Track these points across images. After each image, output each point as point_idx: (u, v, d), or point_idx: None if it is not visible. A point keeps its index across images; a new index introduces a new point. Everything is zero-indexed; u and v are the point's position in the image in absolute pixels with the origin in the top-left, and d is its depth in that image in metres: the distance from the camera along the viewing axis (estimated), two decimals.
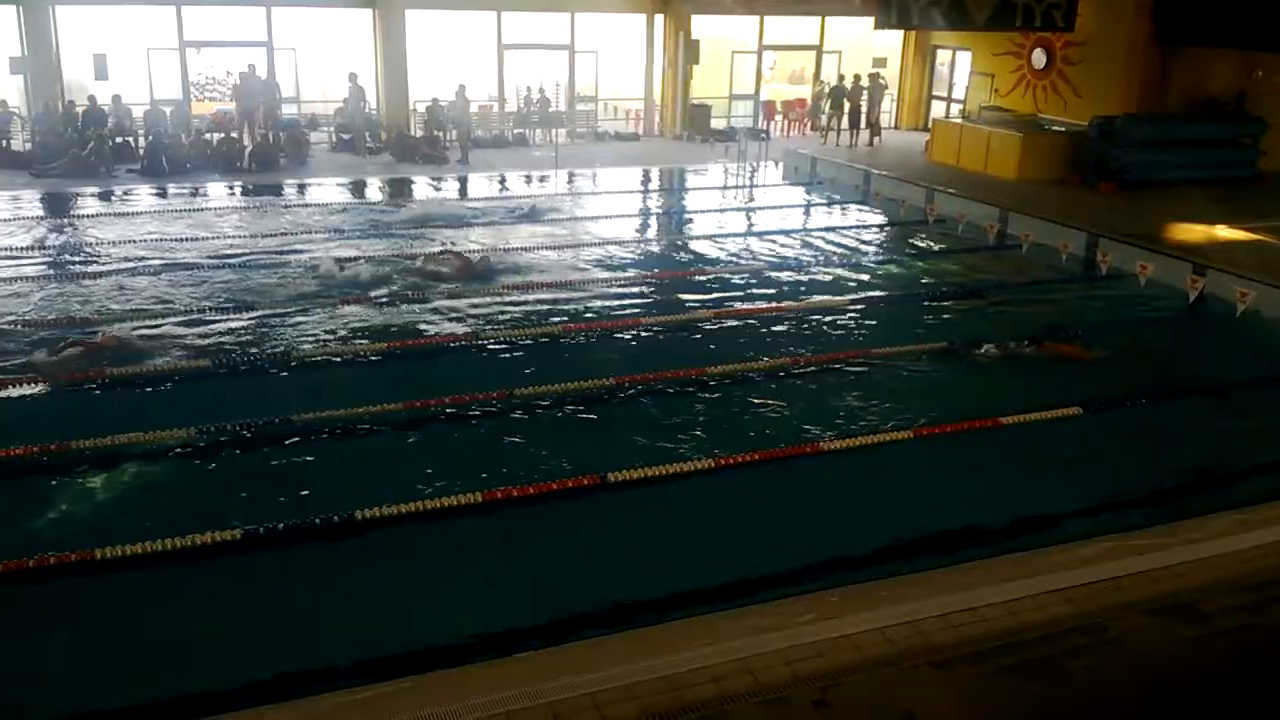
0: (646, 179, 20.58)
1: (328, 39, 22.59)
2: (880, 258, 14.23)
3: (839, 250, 14.38)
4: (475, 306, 10.98)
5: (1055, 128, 19.44)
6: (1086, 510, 6.76)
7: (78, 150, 18.12)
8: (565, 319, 10.64)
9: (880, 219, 16.86)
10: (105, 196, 16.69)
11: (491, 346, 9.77)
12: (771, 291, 12.02)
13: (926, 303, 11.92)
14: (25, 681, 4.86)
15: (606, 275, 12.57)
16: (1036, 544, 6.02)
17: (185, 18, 21.01)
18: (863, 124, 23.06)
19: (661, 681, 4.52)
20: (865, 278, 12.95)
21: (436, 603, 5.60)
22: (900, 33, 25.10)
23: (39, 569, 5.65)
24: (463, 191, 18.50)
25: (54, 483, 6.79)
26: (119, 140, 19.29)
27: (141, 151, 19.06)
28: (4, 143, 19.41)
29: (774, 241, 14.82)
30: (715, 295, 11.72)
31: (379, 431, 7.71)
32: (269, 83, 21.14)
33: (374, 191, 18.26)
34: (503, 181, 19.25)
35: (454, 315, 10.71)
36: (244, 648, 5.14)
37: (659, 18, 24.79)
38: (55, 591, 5.64)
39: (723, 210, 17.51)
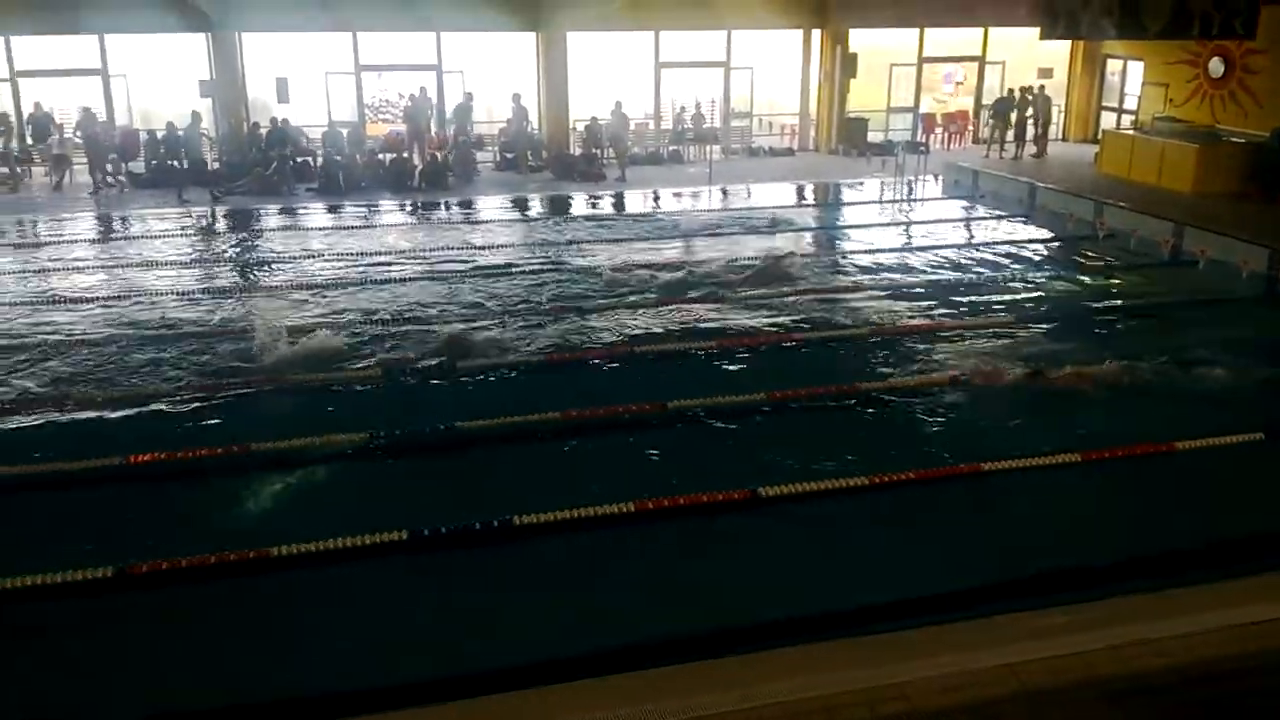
0: (801, 193, 20.46)
1: (493, 62, 23.32)
2: (1046, 274, 13.78)
3: (1001, 266, 14.00)
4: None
5: (1234, 138, 18.48)
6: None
7: (261, 169, 19.22)
8: (717, 334, 10.69)
9: (1046, 234, 16.33)
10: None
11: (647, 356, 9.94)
12: (930, 306, 11.80)
13: (1095, 320, 11.50)
14: (203, 668, 5.18)
15: (761, 290, 12.54)
16: (1219, 576, 5.73)
17: (361, 43, 22.07)
18: (1028, 136, 22.42)
19: (815, 700, 4.49)
20: (1030, 294, 12.57)
21: (580, 609, 5.69)
22: (1067, 42, 24.28)
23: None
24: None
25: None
26: (298, 160, 20.36)
27: (319, 171, 20.05)
28: (195, 162, 20.73)
29: (932, 256, 14.54)
30: (870, 311, 11.58)
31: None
32: (465, 105, 22.07)
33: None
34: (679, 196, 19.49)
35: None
36: (413, 646, 5.34)
37: (816, 32, 24.66)
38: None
39: (878, 225, 17.26)
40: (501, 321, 10.99)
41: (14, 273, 13.38)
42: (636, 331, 10.74)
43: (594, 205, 18.97)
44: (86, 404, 8.57)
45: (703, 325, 11.01)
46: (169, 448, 7.60)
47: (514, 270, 13.49)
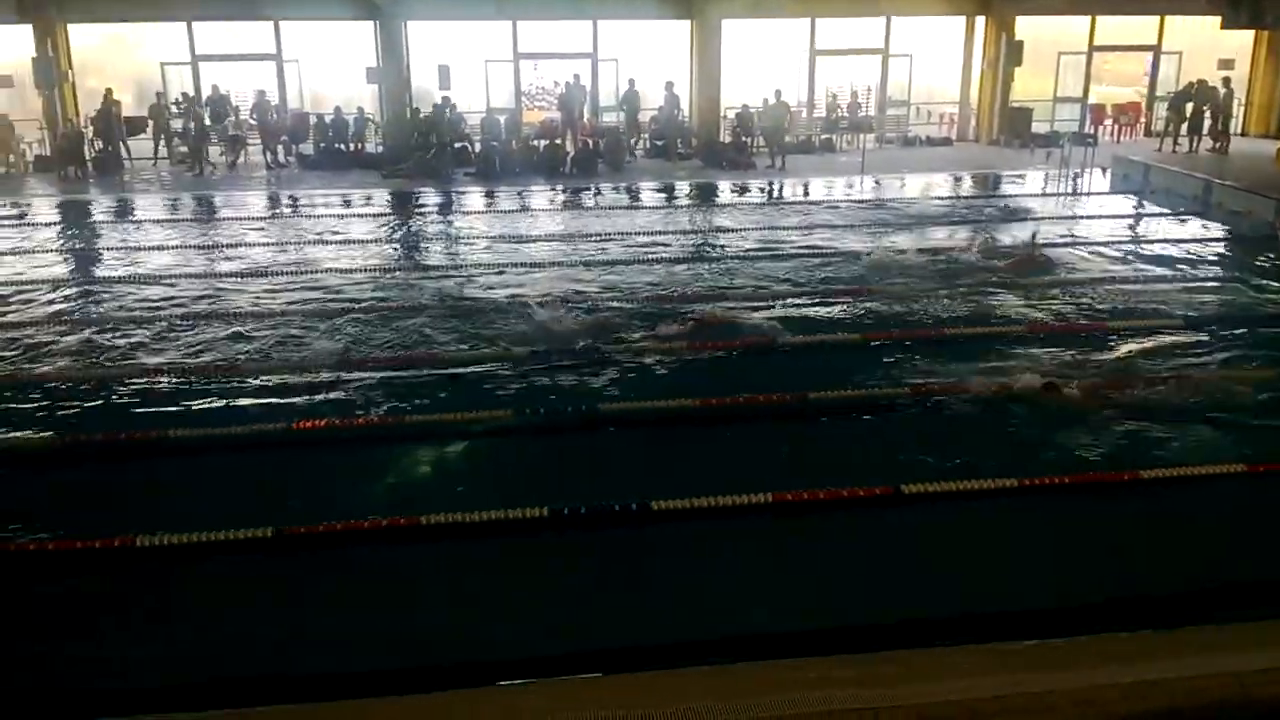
0: (958, 184, 19.91)
1: (647, 50, 23.45)
2: (1219, 275, 13.04)
3: (1171, 266, 13.31)
4: None
5: None
6: None
7: (422, 154, 19.83)
8: (865, 326, 10.50)
9: (1221, 233, 15.46)
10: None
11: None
12: (1093, 307, 11.31)
13: (1272, 327, 10.81)
14: (341, 633, 5.37)
15: (912, 284, 12.25)
16: None
17: (520, 31, 22.52)
18: (1205, 130, 21.26)
19: (949, 706, 4.35)
20: (1200, 297, 11.91)
21: (708, 598, 5.67)
22: (1250, 32, 22.91)
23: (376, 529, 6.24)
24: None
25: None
26: (457, 145, 20.92)
27: (476, 156, 20.56)
28: (360, 146, 21.58)
29: (1097, 254, 13.93)
30: (1028, 309, 11.17)
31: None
32: (633, 92, 22.36)
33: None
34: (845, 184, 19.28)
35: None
36: (542, 618, 5.43)
37: (980, 19, 23.93)
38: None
39: (1041, 219, 16.65)
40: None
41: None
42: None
43: (771, 191, 18.97)
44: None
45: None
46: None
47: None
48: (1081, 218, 16.80)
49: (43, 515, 6.46)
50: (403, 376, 8.85)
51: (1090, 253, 14.01)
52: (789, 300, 11.24)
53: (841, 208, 17.26)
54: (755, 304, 11.01)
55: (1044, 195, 18.50)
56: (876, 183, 19.51)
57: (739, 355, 9.47)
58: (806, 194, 18.79)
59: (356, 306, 11.01)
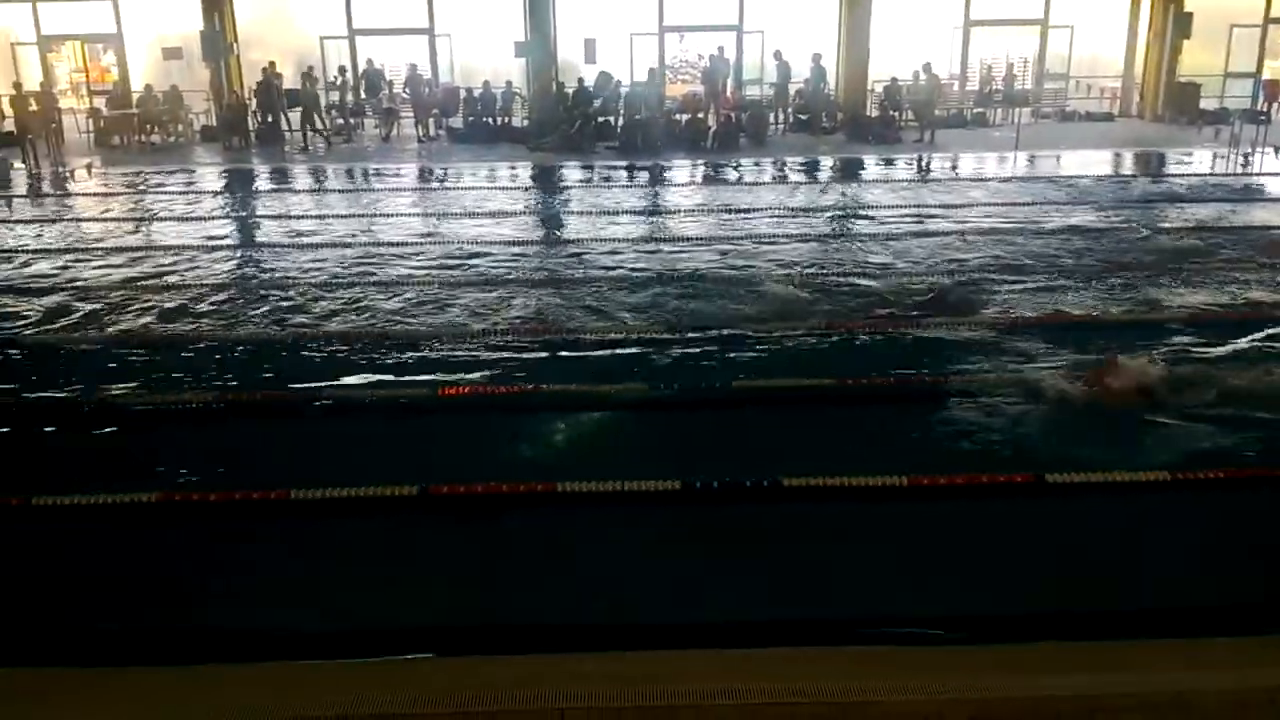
0: (1119, 163, 19.03)
1: (793, 22, 23.14)
2: None
3: None
4: None
5: None
6: None
7: (566, 127, 20.05)
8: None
9: None
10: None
11: None
12: (1258, 297, 10.68)
13: None
14: (486, 588, 5.51)
15: (1071, 264, 11.79)
16: None
17: (666, 3, 22.48)
18: None
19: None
20: None
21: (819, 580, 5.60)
22: None
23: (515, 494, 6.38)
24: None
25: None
26: (600, 119, 21.07)
27: (619, 130, 20.66)
28: (507, 119, 21.95)
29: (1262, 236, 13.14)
30: (1188, 298, 10.62)
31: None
32: (785, 65, 22.07)
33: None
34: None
35: None
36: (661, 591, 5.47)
37: None
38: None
39: (1207, 201, 15.78)
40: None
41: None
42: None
43: (955, 166, 18.56)
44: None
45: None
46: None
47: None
48: (1250, 200, 15.88)
49: (204, 468, 6.85)
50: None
51: (1245, 235, 13.23)
52: (1013, 279, 10.79)
53: (1027, 184, 16.60)
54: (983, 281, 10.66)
55: (1210, 176, 17.52)
56: (1030, 160, 18.81)
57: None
58: (979, 170, 18.20)
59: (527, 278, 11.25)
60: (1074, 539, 5.91)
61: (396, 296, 10.56)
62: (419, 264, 11.99)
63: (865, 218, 14.17)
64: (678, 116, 21.28)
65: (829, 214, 14.59)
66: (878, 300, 10.01)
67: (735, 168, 18.54)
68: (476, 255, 12.32)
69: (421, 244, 12.89)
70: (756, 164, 18.82)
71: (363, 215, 14.90)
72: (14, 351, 9.38)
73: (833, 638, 4.85)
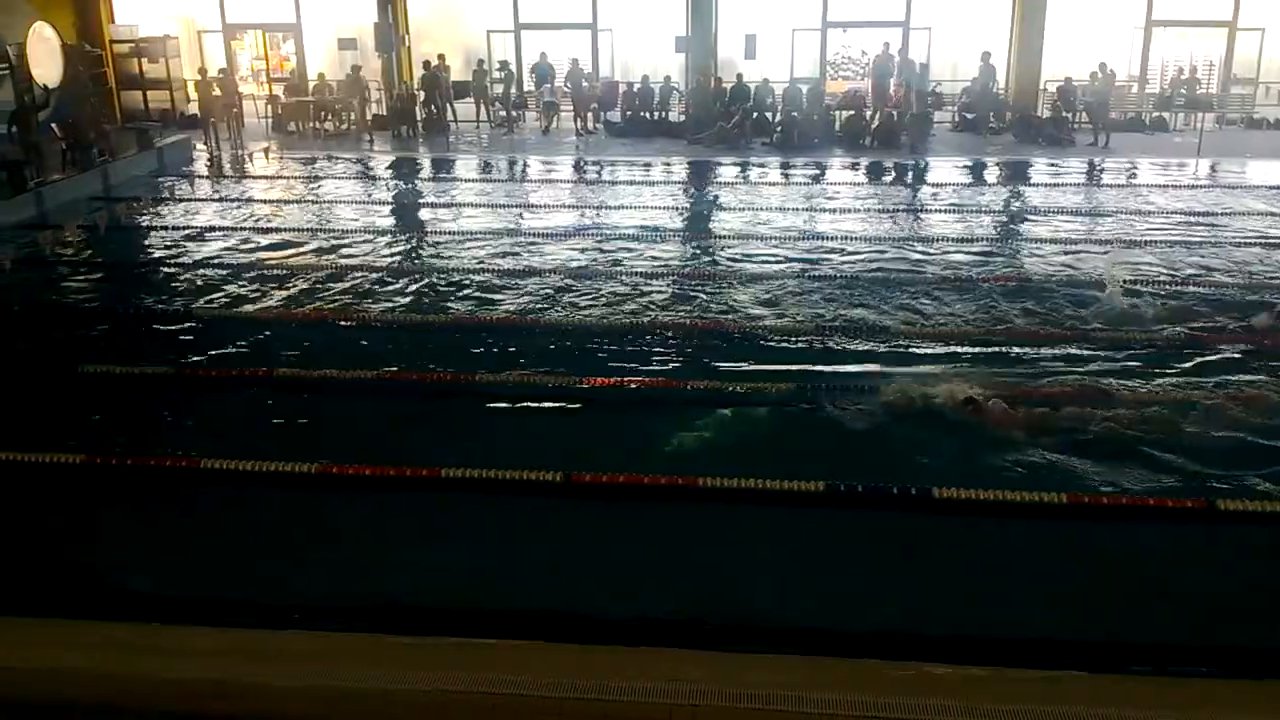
0: None
1: (962, 18, 22.48)
2: None
3: None
4: None
5: None
6: None
7: (724, 123, 19.97)
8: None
9: None
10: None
11: None
12: None
13: None
14: (616, 576, 5.50)
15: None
16: None
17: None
18: None
19: None
20: None
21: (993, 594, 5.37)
22: None
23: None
24: None
25: None
26: (757, 115, 20.90)
27: (778, 126, 20.44)
28: (664, 114, 22.01)
29: None
30: None
31: None
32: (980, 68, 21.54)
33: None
34: None
35: None
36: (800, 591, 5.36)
37: None
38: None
39: None
40: None
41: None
42: None
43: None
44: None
45: None
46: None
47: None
48: None
49: (367, 441, 7.08)
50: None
51: None
52: None
53: None
54: None
55: None
56: (1212, 168, 17.78)
57: None
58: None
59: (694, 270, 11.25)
60: None
61: (557, 286, 10.71)
62: (579, 253, 12.13)
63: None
64: (836, 113, 20.93)
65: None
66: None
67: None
68: (640, 244, 12.39)
69: (580, 235, 13.02)
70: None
71: (523, 206, 15.17)
72: (189, 324, 9.89)
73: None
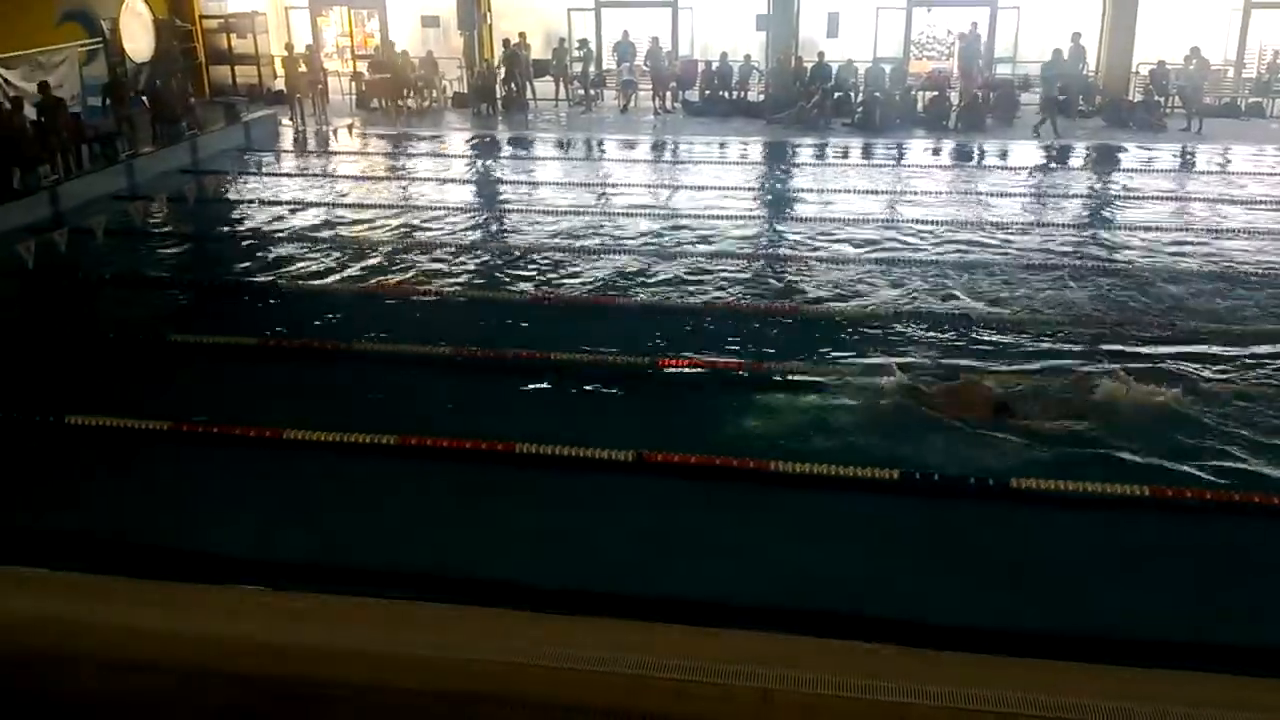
0: None
1: None
2: None
3: None
4: None
5: None
6: None
7: (804, 103, 19.76)
8: None
9: None
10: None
11: None
12: None
13: None
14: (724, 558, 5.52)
15: None
16: None
17: None
18: None
19: None
20: None
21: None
22: None
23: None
24: None
25: None
26: (838, 95, 20.62)
27: (859, 107, 20.14)
28: (743, 93, 21.84)
29: None
30: None
31: None
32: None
33: None
34: None
35: None
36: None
37: None
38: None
39: None
40: None
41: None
42: None
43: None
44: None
45: None
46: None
47: None
48: None
49: (440, 415, 7.19)
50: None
51: None
52: None
53: None
54: None
55: None
56: None
57: None
58: None
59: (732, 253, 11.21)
60: None
61: (631, 265, 10.74)
62: (653, 233, 12.13)
63: None
64: (918, 94, 20.56)
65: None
66: None
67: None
68: (715, 225, 12.35)
69: (655, 214, 13.02)
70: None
71: (599, 184, 15.21)
72: (273, 296, 10.11)
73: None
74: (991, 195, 14.09)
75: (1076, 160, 17.16)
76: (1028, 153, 17.43)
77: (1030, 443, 6.57)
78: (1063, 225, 12.45)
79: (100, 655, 2.89)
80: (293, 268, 10.89)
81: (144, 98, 17.64)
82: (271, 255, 11.42)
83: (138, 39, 17.69)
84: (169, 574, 4.68)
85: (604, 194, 14.52)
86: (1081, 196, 14.37)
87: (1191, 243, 11.56)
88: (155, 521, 5.87)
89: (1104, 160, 16.99)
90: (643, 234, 12.10)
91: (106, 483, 6.39)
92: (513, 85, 22.03)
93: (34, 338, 9.15)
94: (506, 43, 22.06)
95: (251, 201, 14.15)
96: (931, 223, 12.32)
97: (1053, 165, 16.70)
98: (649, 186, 15.08)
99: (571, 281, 10.27)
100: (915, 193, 14.30)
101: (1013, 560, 5.52)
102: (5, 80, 15.51)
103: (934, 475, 6.15)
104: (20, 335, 9.22)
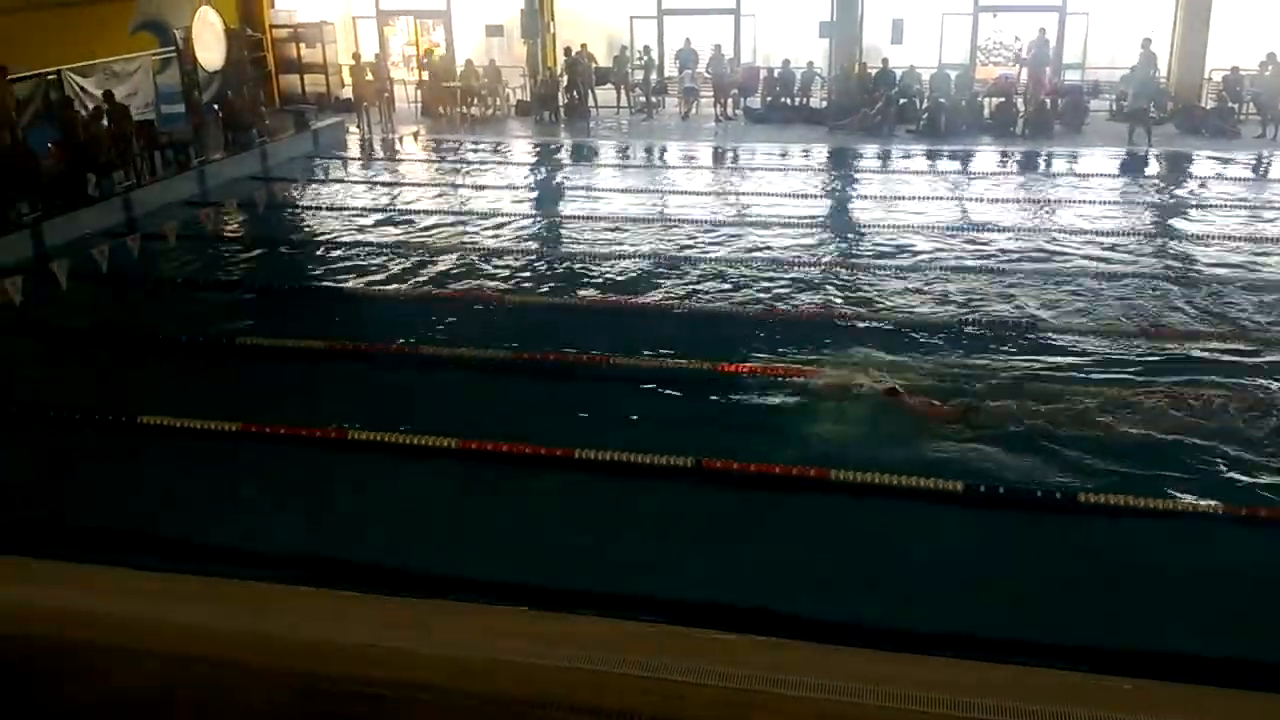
0: None
1: (1124, 2, 21.52)
2: None
3: None
4: None
5: None
6: None
7: (867, 109, 19.60)
8: None
9: None
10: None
11: None
12: None
13: None
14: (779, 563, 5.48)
15: None
16: None
17: None
18: None
19: None
20: None
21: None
22: None
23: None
24: None
25: None
26: (903, 102, 20.42)
27: (924, 113, 19.92)
28: (805, 100, 21.73)
29: None
30: None
31: None
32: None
33: None
34: None
35: None
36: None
37: None
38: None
39: None
40: None
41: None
42: None
43: None
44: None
45: None
46: None
47: None
48: None
49: (498, 417, 7.25)
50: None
51: None
52: None
53: None
54: None
55: None
56: None
57: None
58: None
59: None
60: None
61: (693, 272, 10.73)
62: (712, 239, 12.10)
63: None
64: (985, 100, 20.27)
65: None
66: None
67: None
68: (775, 232, 12.30)
69: (715, 221, 12.98)
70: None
71: (660, 191, 15.23)
72: (339, 300, 10.27)
73: None
74: (1064, 202, 13.85)
75: (1152, 168, 16.78)
76: (1099, 160, 17.09)
77: None
78: (1137, 234, 12.20)
79: (163, 650, 2.92)
80: (357, 272, 11.05)
81: (215, 105, 18.02)
82: (338, 260, 11.59)
83: (210, 48, 18.06)
84: (235, 573, 4.78)
85: (665, 200, 14.53)
86: (1159, 205, 14.03)
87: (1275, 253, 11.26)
88: (221, 520, 5.98)
89: (1179, 167, 16.61)
90: (701, 239, 12.09)
91: (174, 482, 6.53)
92: (575, 93, 22.14)
93: (108, 340, 9.39)
94: (569, 51, 22.18)
95: (319, 208, 14.37)
96: (1000, 229, 12.17)
97: (1126, 173, 16.37)
98: (709, 193, 15.06)
99: (632, 287, 10.28)
100: (980, 199, 14.12)
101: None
102: (81, 88, 15.92)
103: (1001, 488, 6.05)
104: (95, 338, 9.46)
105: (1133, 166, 16.72)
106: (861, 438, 6.79)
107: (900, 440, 6.70)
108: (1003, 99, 19.99)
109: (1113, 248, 11.49)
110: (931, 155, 17.81)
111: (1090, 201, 13.83)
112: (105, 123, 14.59)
